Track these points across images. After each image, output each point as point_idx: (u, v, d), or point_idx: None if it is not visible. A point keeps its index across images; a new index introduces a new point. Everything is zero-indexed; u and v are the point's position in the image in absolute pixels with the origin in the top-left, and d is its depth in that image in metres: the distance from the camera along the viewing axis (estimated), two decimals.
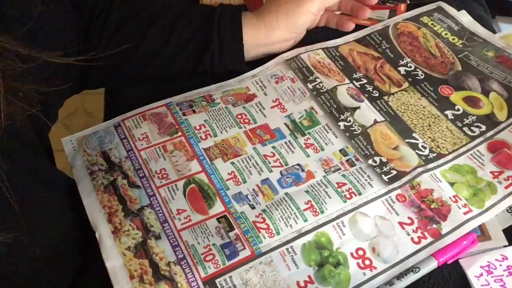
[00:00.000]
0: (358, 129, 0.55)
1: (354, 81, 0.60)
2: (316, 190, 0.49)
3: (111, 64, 0.55)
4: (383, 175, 0.50)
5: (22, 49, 0.40)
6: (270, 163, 0.52)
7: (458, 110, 0.56)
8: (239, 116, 0.56)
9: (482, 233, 0.47)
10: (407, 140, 0.53)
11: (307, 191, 0.49)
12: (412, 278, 0.44)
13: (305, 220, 0.47)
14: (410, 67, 0.62)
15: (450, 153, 0.52)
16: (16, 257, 0.41)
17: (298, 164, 0.52)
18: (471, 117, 0.55)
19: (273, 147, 0.53)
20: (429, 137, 0.54)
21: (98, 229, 0.46)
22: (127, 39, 0.58)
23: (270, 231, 0.46)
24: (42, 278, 0.45)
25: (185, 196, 0.49)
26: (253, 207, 0.48)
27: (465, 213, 0.47)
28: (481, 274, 0.45)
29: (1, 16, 0.45)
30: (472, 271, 0.45)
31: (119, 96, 0.63)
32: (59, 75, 0.50)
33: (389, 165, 0.51)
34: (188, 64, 0.60)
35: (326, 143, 0.54)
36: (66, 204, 0.49)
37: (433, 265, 0.44)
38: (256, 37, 0.60)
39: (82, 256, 0.49)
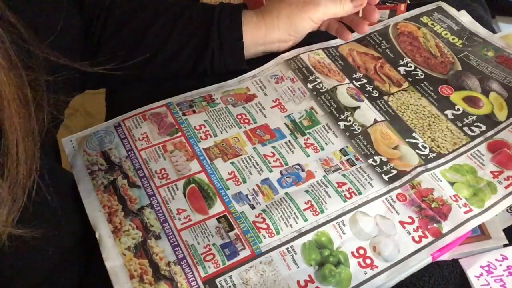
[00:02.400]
0: (358, 128, 0.55)
1: (354, 81, 0.60)
2: (316, 190, 0.49)
3: (111, 64, 0.55)
4: (383, 175, 0.50)
5: (58, 58, 0.40)
6: (270, 163, 0.52)
7: (458, 110, 0.56)
8: (239, 116, 0.56)
9: (482, 232, 0.47)
10: (407, 140, 0.53)
11: (307, 191, 0.49)
12: (405, 273, 0.44)
13: (305, 220, 0.47)
14: (410, 67, 0.62)
15: (450, 152, 0.52)
16: (34, 254, 0.41)
17: (298, 164, 0.52)
18: (471, 117, 0.55)
19: (273, 147, 0.53)
20: (429, 137, 0.54)
21: (98, 229, 0.46)
22: (127, 39, 0.58)
23: (270, 231, 0.46)
24: (54, 277, 0.45)
25: (185, 196, 0.48)
26: (253, 207, 0.48)
27: (465, 212, 0.47)
28: (481, 274, 0.45)
29: (34, 27, 0.45)
30: (472, 271, 0.45)
31: (119, 96, 0.63)
32: (65, 80, 0.50)
33: (389, 165, 0.51)
34: (188, 63, 0.60)
35: (326, 143, 0.54)
36: (73, 204, 0.49)
37: (427, 260, 0.45)
38: (255, 36, 0.60)
39: (87, 256, 0.49)
